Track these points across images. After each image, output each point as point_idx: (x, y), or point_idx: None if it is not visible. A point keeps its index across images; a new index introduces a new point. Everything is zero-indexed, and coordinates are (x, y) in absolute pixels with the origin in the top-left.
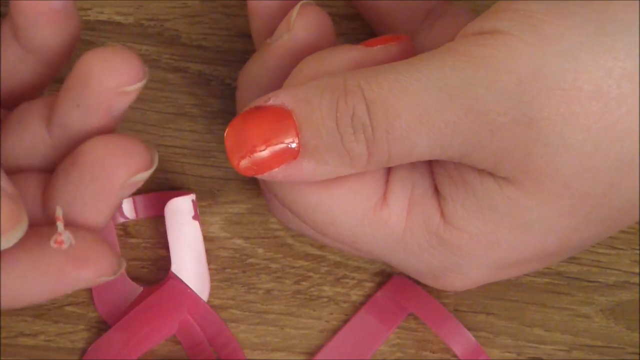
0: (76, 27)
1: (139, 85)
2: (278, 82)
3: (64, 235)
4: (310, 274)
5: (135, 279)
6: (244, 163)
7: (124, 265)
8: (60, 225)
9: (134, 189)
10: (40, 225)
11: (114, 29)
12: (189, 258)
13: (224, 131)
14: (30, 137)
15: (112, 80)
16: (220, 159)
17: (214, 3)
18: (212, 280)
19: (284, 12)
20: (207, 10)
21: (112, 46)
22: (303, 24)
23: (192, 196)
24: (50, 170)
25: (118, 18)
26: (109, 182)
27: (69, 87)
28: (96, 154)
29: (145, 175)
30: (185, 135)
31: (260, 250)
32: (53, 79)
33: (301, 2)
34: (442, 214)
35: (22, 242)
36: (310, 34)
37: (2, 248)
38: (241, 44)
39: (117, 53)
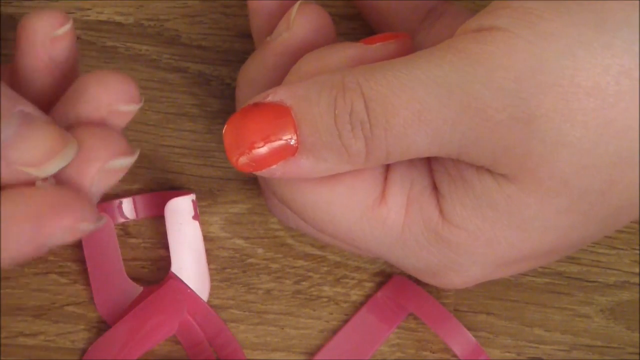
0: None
1: (133, 107)
2: (277, 79)
3: (49, 180)
4: (310, 274)
5: (135, 279)
6: (242, 160)
7: (104, 219)
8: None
9: (112, 178)
10: None
11: (114, 29)
12: (189, 258)
13: (224, 128)
14: None
15: (107, 97)
16: (220, 158)
17: (214, 3)
18: (212, 280)
19: (283, 11)
20: (207, 10)
21: (111, 70)
22: (302, 22)
23: (192, 196)
24: None
25: (118, 18)
26: (85, 165)
27: (64, 103)
28: (88, 132)
29: (123, 162)
30: (185, 135)
31: (260, 250)
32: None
33: (301, 0)
34: (441, 212)
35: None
36: (310, 31)
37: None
38: (241, 44)
39: (115, 75)
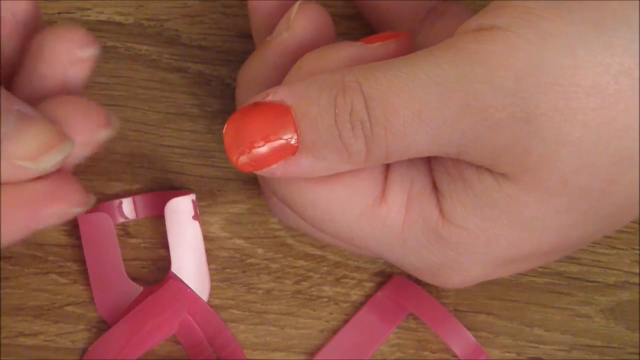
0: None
1: (90, 51)
2: (277, 79)
3: None
4: (310, 274)
5: (135, 279)
6: (242, 159)
7: (94, 199)
8: None
9: (92, 149)
10: None
11: (114, 29)
12: (189, 258)
13: (224, 128)
14: None
15: (63, 47)
16: (220, 159)
17: (214, 3)
18: (212, 280)
19: (283, 10)
20: (207, 10)
21: (62, 25)
22: (302, 22)
23: (192, 196)
24: None
25: (118, 18)
26: (75, 129)
27: (23, 65)
28: (52, 114)
29: (103, 134)
30: (185, 135)
31: (260, 250)
32: None
33: (301, 0)
34: (441, 211)
35: None
36: (310, 31)
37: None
38: (241, 44)
39: (66, 26)
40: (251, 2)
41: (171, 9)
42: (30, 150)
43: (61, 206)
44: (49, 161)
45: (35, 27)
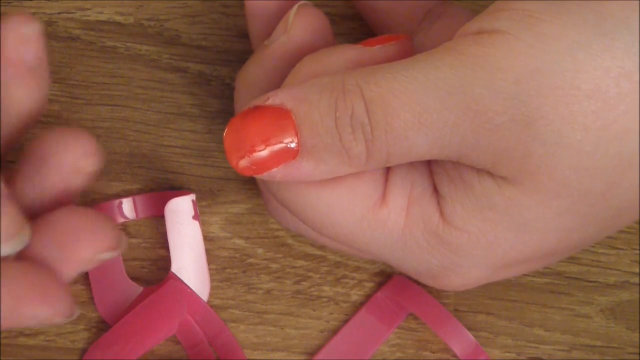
0: (46, 87)
1: (95, 164)
2: (276, 83)
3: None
4: (310, 274)
5: (135, 279)
6: (243, 163)
7: (78, 312)
8: None
9: (98, 264)
10: None
11: (114, 29)
12: (189, 258)
13: (224, 131)
14: None
15: (69, 155)
16: (220, 159)
17: (214, 3)
18: (212, 280)
19: (281, 13)
20: (207, 10)
21: (68, 128)
22: (300, 25)
23: (192, 196)
24: None
25: (118, 18)
26: (74, 255)
27: (26, 167)
28: (64, 226)
29: (111, 255)
30: (185, 135)
31: (260, 250)
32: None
33: (298, 3)
34: (441, 213)
35: None
36: (308, 35)
37: (3, 254)
38: (241, 44)
39: (73, 132)
40: (248, 3)
41: (171, 9)
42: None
43: (43, 309)
44: (6, 251)
45: (42, 76)
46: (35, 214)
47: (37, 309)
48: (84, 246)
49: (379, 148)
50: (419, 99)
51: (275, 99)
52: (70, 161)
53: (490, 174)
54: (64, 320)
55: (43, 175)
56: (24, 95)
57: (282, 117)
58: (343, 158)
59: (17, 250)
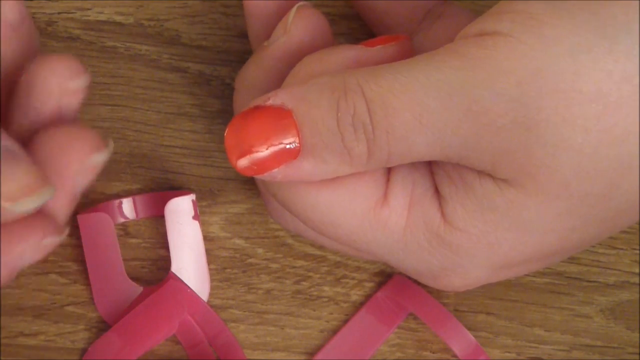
0: (34, 45)
1: (82, 81)
2: (276, 84)
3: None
4: (310, 274)
5: (135, 279)
6: (244, 163)
7: (66, 230)
8: None
9: (91, 175)
10: None
11: (114, 29)
12: (189, 258)
13: (224, 131)
14: None
15: (55, 78)
16: (220, 159)
17: (214, 3)
18: (212, 280)
19: (280, 13)
20: (207, 10)
21: (52, 54)
22: (300, 26)
23: (192, 196)
24: None
25: (118, 18)
26: (64, 169)
27: (16, 97)
28: (49, 144)
29: (99, 157)
30: (185, 135)
31: (260, 250)
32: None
33: (298, 4)
34: (443, 214)
35: None
36: (308, 35)
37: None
38: (241, 44)
39: (56, 56)
40: (247, 3)
41: (171, 9)
42: (12, 191)
43: (33, 239)
44: (28, 205)
45: (28, 33)
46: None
47: (26, 241)
48: (73, 157)
49: (380, 148)
50: (420, 100)
51: (276, 99)
52: (57, 83)
53: (490, 175)
54: (57, 240)
55: (34, 103)
56: (11, 51)
57: (283, 117)
58: (344, 158)
59: (39, 205)
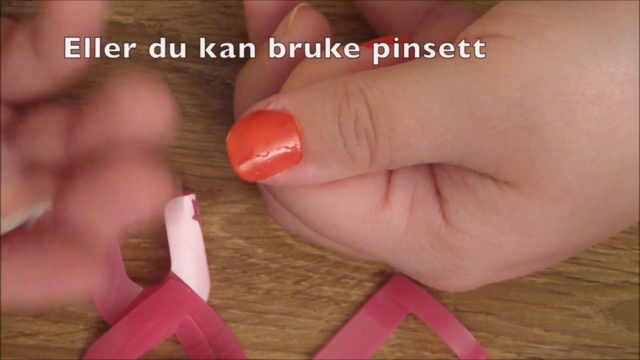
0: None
1: (167, 114)
2: (276, 85)
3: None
4: (310, 274)
5: (135, 279)
6: (246, 168)
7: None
8: None
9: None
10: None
11: (114, 29)
12: (189, 258)
13: (224, 131)
14: (44, 146)
15: (141, 108)
16: (220, 159)
17: (214, 3)
18: (212, 280)
19: (280, 13)
20: (207, 10)
21: (140, 79)
22: (300, 27)
23: (192, 196)
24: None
25: (118, 18)
26: (132, 207)
27: (96, 111)
28: (127, 179)
29: (164, 199)
30: (185, 135)
31: (260, 250)
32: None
33: (298, 5)
34: (444, 216)
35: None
36: (308, 36)
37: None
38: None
39: (146, 84)
40: (247, 3)
41: (171, 9)
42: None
43: (79, 282)
44: (10, 222)
45: None
46: (96, 161)
47: (72, 282)
48: (142, 200)
49: (382, 153)
50: (422, 105)
51: (277, 103)
52: (143, 110)
53: (492, 178)
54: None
55: (112, 120)
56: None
57: (285, 122)
58: (347, 162)
59: (20, 222)
